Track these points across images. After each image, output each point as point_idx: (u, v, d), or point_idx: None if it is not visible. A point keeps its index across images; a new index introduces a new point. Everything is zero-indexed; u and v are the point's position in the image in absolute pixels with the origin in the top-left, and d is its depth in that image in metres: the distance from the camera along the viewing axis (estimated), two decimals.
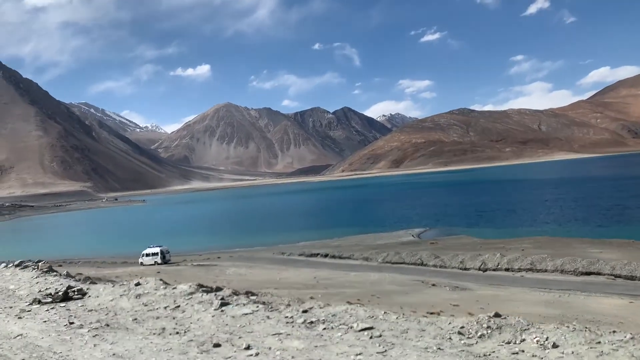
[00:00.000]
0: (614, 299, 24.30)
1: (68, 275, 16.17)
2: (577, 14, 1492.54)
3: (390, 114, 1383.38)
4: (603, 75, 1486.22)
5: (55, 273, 16.17)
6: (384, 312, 9.34)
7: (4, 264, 20.37)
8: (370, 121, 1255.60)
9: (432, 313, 17.45)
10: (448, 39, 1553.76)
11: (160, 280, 12.81)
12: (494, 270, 31.08)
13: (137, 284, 12.77)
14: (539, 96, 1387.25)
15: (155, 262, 48.54)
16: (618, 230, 57.75)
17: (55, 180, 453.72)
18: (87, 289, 13.45)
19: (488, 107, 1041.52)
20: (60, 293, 13.00)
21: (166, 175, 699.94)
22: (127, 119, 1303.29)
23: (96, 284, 14.59)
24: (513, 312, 13.25)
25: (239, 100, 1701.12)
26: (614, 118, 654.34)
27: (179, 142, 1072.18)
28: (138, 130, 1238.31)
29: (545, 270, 29.05)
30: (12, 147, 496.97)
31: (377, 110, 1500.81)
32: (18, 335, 9.73)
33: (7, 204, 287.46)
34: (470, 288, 25.24)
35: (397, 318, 9.05)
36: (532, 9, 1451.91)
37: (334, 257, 37.17)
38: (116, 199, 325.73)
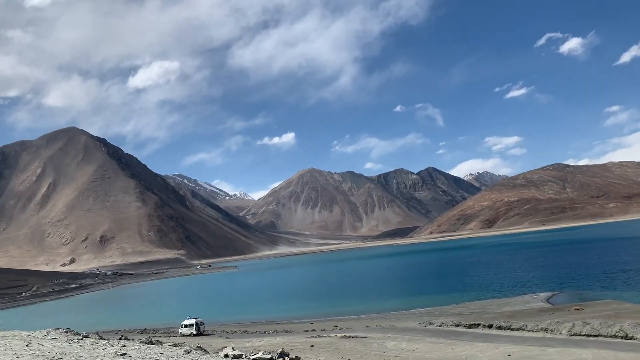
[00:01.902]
0: None
1: None
2: None
3: (478, 173, 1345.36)
4: None
5: None
6: None
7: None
8: (456, 180, 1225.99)
9: None
10: (535, 94, 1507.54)
11: None
12: None
13: None
14: None
15: (191, 332, 52.24)
16: None
17: (152, 249, 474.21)
18: None
19: (584, 162, 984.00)
20: None
21: (254, 241, 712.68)
22: (217, 188, 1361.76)
23: None
24: None
25: (322, 165, 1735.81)
26: None
27: (266, 208, 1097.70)
28: (227, 198, 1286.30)
29: None
30: (114, 218, 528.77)
31: (463, 170, 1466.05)
32: None
33: (109, 272, 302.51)
34: None
35: None
36: (626, 57, 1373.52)
37: (500, 327, 31.79)
38: (210, 266, 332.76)
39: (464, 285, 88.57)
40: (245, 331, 47.74)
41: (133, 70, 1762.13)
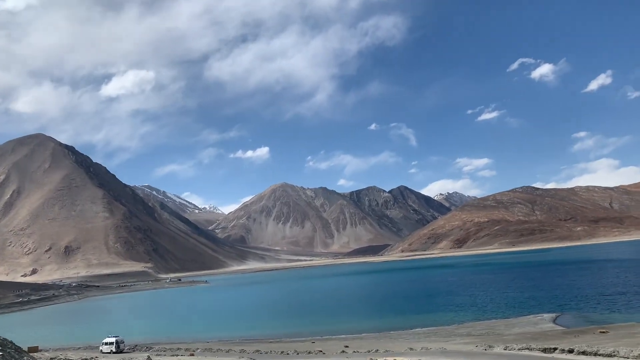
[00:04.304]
0: None
1: None
2: None
3: (448, 193, 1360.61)
4: None
5: None
6: None
7: None
8: (427, 200, 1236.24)
9: None
10: (506, 117, 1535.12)
11: None
12: None
13: None
14: (605, 173, 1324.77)
15: (110, 350, 54.93)
16: None
17: (118, 261, 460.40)
18: None
19: (551, 185, 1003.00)
20: None
21: (223, 255, 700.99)
22: (187, 201, 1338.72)
23: None
24: None
25: (295, 180, 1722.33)
26: None
27: (236, 223, 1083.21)
28: (197, 211, 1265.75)
29: None
30: (80, 228, 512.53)
31: (434, 189, 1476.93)
32: None
33: (74, 284, 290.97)
34: None
35: None
36: (593, 85, 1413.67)
37: (585, 353, 28.10)
38: (179, 280, 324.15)
39: (456, 304, 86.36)
40: (258, 350, 43.82)
41: (107, 78, 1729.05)
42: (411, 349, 34.33)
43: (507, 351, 30.09)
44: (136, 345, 59.61)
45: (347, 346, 43.78)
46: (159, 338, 73.48)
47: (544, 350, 29.37)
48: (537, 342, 35.62)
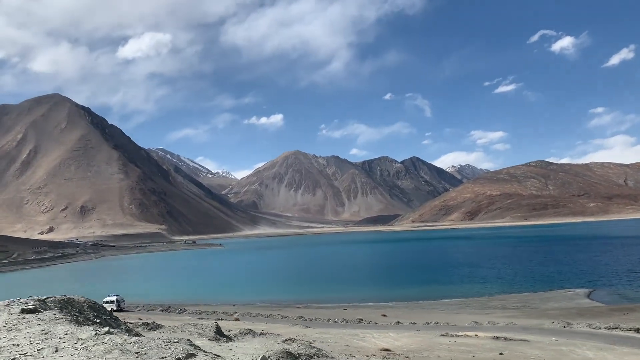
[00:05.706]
0: None
1: None
2: None
3: (460, 165, 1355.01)
4: None
5: None
6: None
7: None
8: (439, 171, 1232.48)
9: None
10: (524, 90, 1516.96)
11: None
12: None
13: None
14: (621, 150, 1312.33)
15: (111, 309, 53.32)
16: None
17: (133, 222, 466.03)
18: None
19: (565, 160, 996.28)
20: None
21: (236, 220, 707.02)
22: (200, 165, 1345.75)
23: None
24: None
25: (308, 148, 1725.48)
26: None
27: (249, 188, 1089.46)
28: (210, 175, 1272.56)
29: None
30: (95, 189, 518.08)
31: (446, 161, 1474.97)
32: None
33: (90, 243, 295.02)
34: None
35: None
36: (615, 60, 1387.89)
37: None
38: (194, 242, 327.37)
39: (480, 276, 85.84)
40: (301, 317, 43.57)
41: (123, 40, 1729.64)
42: (476, 322, 33.43)
43: (594, 330, 28.76)
44: (169, 307, 59.86)
45: (384, 315, 43.49)
46: (184, 299, 73.80)
47: (637, 331, 28.11)
48: (586, 319, 34.80)
